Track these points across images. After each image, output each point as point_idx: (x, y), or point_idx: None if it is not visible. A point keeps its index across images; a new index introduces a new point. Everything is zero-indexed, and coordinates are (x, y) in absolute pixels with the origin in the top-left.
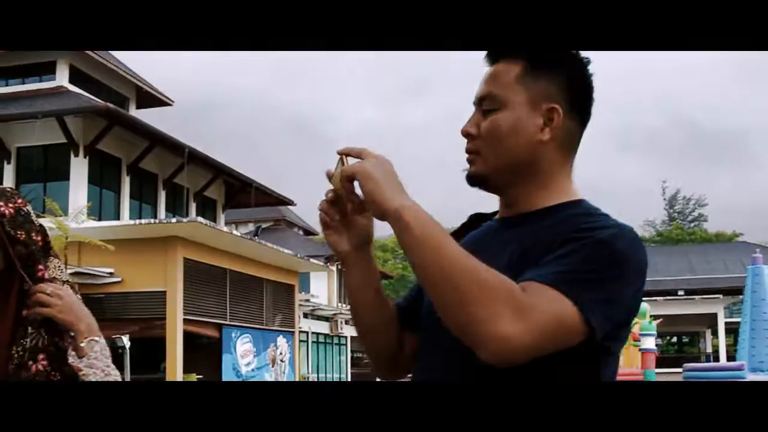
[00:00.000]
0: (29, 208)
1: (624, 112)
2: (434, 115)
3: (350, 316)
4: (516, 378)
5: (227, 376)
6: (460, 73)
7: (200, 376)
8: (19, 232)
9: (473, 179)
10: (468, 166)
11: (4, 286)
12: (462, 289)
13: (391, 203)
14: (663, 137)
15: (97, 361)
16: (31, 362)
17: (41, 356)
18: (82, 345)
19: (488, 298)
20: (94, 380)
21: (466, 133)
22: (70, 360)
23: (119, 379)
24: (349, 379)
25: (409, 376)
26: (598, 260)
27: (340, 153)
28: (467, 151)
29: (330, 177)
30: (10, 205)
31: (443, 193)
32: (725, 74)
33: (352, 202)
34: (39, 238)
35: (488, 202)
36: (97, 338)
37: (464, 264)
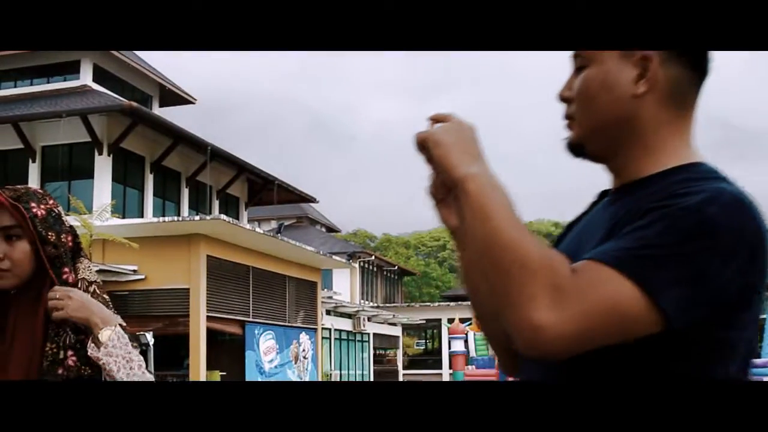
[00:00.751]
0: (60, 209)
1: None
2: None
3: (372, 313)
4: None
5: (250, 372)
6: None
7: (223, 373)
8: (50, 233)
9: (571, 147)
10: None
11: (36, 286)
12: (501, 267)
13: (458, 171)
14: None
15: (115, 349)
16: (63, 358)
17: (70, 353)
18: (98, 336)
19: (526, 279)
20: (115, 368)
21: (562, 98)
22: (90, 352)
23: (142, 364)
24: (371, 376)
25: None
26: (678, 232)
27: (431, 119)
28: (564, 117)
29: None
30: (42, 206)
31: None
32: (758, 71)
33: (436, 171)
34: (69, 239)
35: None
36: (111, 327)
37: (509, 239)
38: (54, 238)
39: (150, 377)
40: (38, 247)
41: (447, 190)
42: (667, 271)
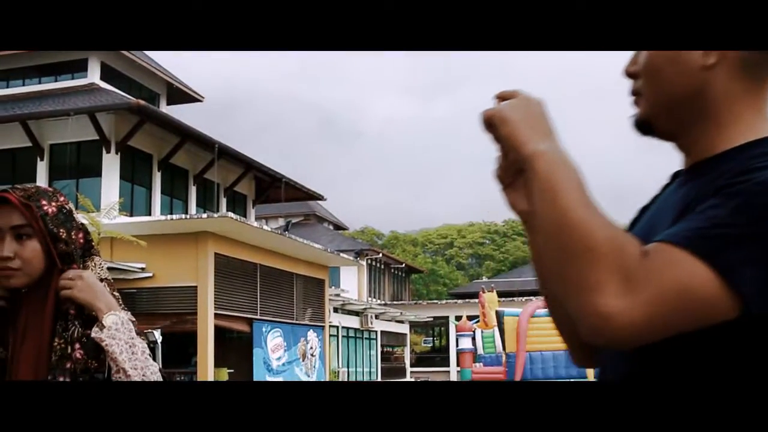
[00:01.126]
0: (70, 206)
1: None
2: (463, 107)
3: (379, 311)
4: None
5: (258, 370)
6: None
7: (231, 371)
8: (61, 230)
9: (638, 125)
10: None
11: (46, 285)
12: (568, 249)
13: (526, 149)
14: None
15: (118, 333)
16: (70, 352)
17: (77, 346)
18: (102, 321)
19: (593, 262)
20: (117, 351)
21: (627, 73)
22: (93, 334)
23: (146, 351)
24: (379, 374)
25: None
26: (754, 208)
27: (497, 97)
28: (631, 94)
29: None
30: (53, 203)
31: (473, 185)
32: None
33: (504, 151)
34: (80, 236)
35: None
36: (116, 313)
37: (577, 220)
38: (65, 235)
39: (154, 364)
40: (49, 244)
41: (515, 173)
42: (743, 250)
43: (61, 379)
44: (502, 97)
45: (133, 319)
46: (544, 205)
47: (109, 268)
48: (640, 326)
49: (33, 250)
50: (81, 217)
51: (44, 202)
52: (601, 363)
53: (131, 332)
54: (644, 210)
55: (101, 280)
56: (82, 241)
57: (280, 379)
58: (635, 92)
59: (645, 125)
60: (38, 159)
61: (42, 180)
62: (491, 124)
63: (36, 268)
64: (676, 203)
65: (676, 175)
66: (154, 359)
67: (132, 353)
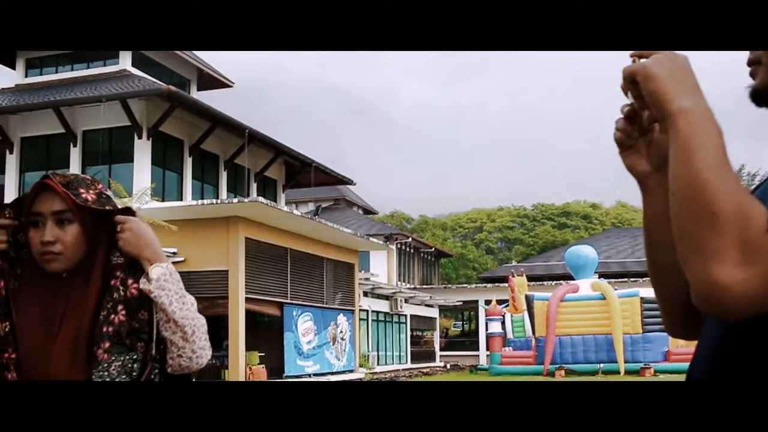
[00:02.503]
0: (109, 193)
1: None
2: (492, 91)
3: (409, 295)
4: None
5: (289, 353)
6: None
7: (262, 354)
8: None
9: (755, 95)
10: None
11: (86, 270)
12: (692, 211)
13: (671, 106)
14: (731, 117)
15: (167, 284)
16: (113, 315)
17: (120, 307)
18: (148, 273)
19: (716, 229)
20: (167, 301)
21: None
22: (142, 285)
23: (195, 303)
24: (408, 358)
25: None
26: None
27: (633, 56)
28: (748, 63)
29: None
30: (91, 190)
31: (502, 169)
32: None
33: (643, 108)
34: None
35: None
36: (163, 265)
37: (706, 182)
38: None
39: (203, 318)
40: (90, 225)
41: (639, 134)
42: None
43: (102, 344)
44: (639, 56)
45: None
46: (678, 164)
47: None
48: (752, 299)
49: (74, 234)
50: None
51: (82, 190)
52: (701, 337)
53: (180, 284)
54: None
55: None
56: None
57: (310, 362)
58: (753, 61)
59: (760, 95)
60: (71, 145)
61: (75, 166)
62: (633, 81)
63: (77, 253)
64: None
65: None
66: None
67: (182, 303)
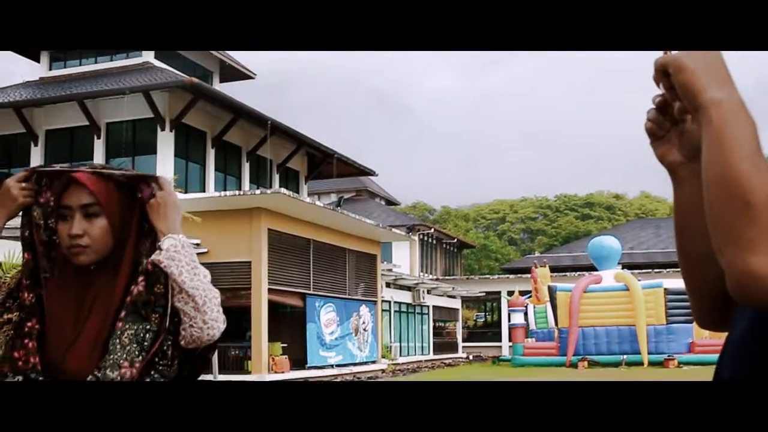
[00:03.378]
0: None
1: None
2: (514, 81)
3: (431, 286)
4: None
5: (312, 344)
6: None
7: (284, 345)
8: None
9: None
10: None
11: (113, 263)
12: (728, 201)
13: (702, 97)
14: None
15: (177, 254)
16: (133, 285)
17: (141, 278)
18: (160, 243)
19: (750, 219)
20: (176, 271)
21: None
22: (153, 256)
23: (208, 275)
24: (431, 349)
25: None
26: None
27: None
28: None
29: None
30: (116, 170)
31: (525, 160)
32: None
33: (674, 99)
34: None
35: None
36: (175, 236)
37: (740, 173)
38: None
39: (216, 291)
40: (117, 218)
41: (670, 125)
42: None
43: (124, 313)
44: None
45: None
46: (711, 155)
47: None
48: None
49: (101, 227)
50: None
51: (107, 171)
52: (732, 328)
53: (193, 256)
54: None
55: None
56: None
57: (333, 353)
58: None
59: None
60: (95, 137)
61: (99, 158)
62: (665, 72)
63: (104, 246)
64: None
65: None
66: None
67: (194, 274)
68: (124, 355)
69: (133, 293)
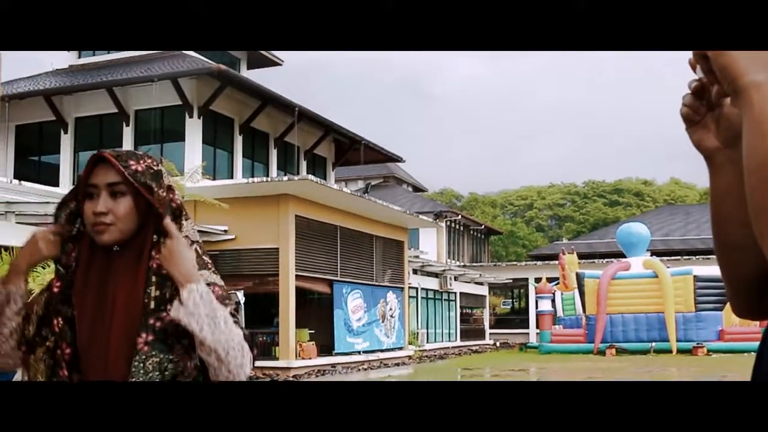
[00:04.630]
0: (160, 167)
1: None
2: (542, 68)
3: (458, 272)
4: None
5: (339, 330)
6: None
7: (312, 331)
8: (153, 185)
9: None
10: None
11: (137, 245)
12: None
13: (743, 80)
14: None
15: (196, 308)
16: (164, 313)
17: (170, 306)
18: (180, 295)
19: None
20: (197, 328)
21: None
22: (172, 313)
23: (228, 318)
24: (458, 335)
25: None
26: None
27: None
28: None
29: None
30: (141, 162)
31: (553, 146)
32: None
33: (712, 83)
34: (167, 196)
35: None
36: (194, 284)
37: None
38: (157, 189)
39: (238, 333)
40: (141, 200)
41: (705, 110)
42: None
43: (144, 335)
44: None
45: (221, 283)
46: (752, 139)
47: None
48: None
49: (126, 206)
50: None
51: (132, 162)
52: None
53: (212, 303)
54: None
55: (193, 242)
56: (178, 201)
57: (360, 339)
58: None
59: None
60: (124, 124)
61: (128, 145)
62: (703, 55)
63: (129, 225)
64: None
65: None
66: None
67: (214, 325)
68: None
69: (164, 319)
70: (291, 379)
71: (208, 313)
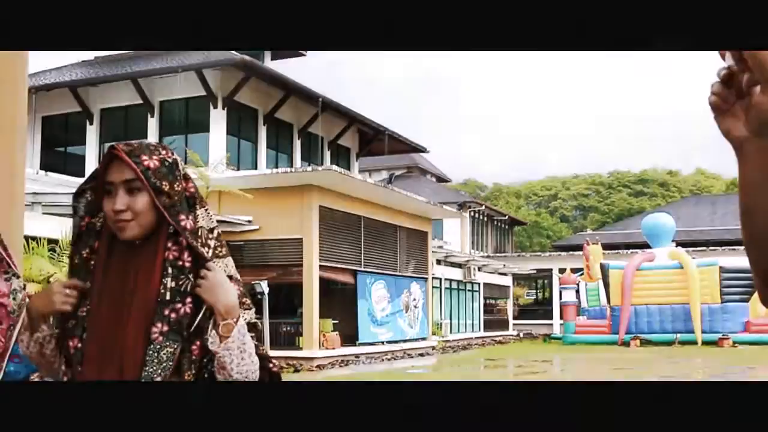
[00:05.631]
0: (175, 158)
1: None
2: (567, 58)
3: (482, 263)
4: None
5: (363, 321)
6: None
7: (335, 321)
8: (163, 183)
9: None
10: None
11: (156, 238)
12: None
13: None
14: None
15: (233, 343)
16: (180, 304)
17: (188, 300)
18: (219, 327)
19: None
20: (228, 361)
21: None
22: (210, 345)
23: (252, 351)
24: (481, 326)
25: None
26: None
27: None
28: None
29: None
30: (154, 157)
31: (577, 136)
32: None
33: (743, 70)
34: (188, 185)
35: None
36: (233, 320)
37: None
38: (167, 187)
39: (257, 363)
40: (153, 197)
41: (734, 99)
42: None
43: (159, 325)
44: None
45: (238, 276)
46: None
47: (217, 221)
48: None
49: (144, 202)
50: (190, 172)
51: (145, 157)
52: None
53: (244, 336)
54: None
55: (210, 230)
56: (192, 190)
57: (383, 330)
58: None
59: None
60: (149, 116)
61: (153, 136)
62: None
63: (147, 220)
64: None
65: None
66: (261, 311)
67: (241, 359)
68: (159, 371)
69: (179, 312)
70: (314, 369)
71: (239, 346)
